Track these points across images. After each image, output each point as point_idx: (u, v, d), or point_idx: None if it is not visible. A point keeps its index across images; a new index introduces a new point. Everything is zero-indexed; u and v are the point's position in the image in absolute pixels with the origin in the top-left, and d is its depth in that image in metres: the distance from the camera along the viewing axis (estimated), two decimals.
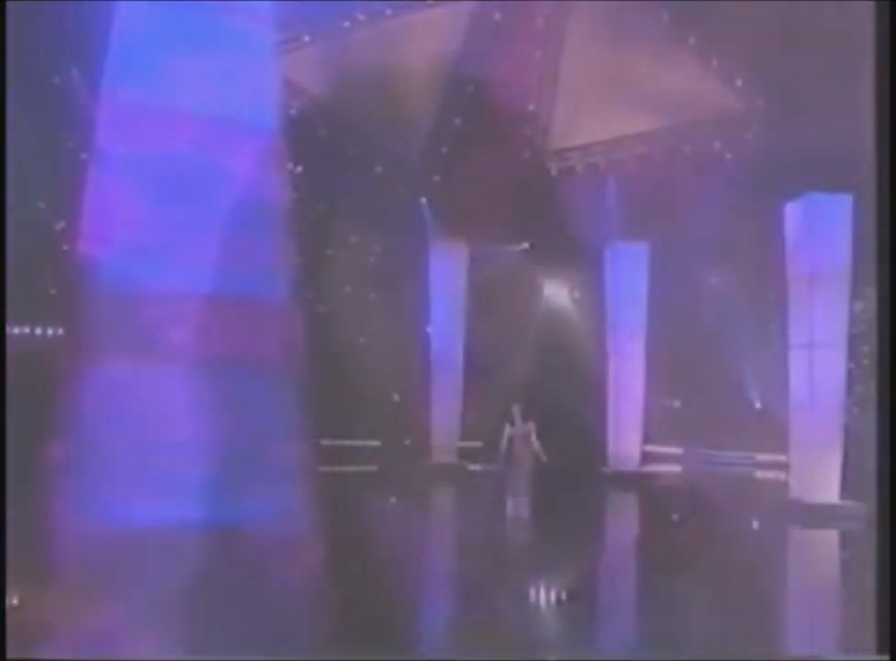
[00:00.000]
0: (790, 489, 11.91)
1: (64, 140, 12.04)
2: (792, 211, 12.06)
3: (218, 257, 3.73)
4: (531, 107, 15.77)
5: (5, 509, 3.57)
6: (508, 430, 10.46)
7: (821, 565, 9.45)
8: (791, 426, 12.09)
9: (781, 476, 13.78)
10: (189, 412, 3.56)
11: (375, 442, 16.90)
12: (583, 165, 16.08)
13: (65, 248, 10.55)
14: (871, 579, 6.86)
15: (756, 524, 11.44)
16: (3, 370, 3.77)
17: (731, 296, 16.78)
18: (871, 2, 4.64)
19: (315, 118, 14.83)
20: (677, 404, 17.61)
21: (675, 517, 12.10)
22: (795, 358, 12.00)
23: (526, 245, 17.65)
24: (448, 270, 16.00)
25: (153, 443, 3.45)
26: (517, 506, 10.39)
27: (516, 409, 10.53)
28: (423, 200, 16.53)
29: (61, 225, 12.69)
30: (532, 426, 10.43)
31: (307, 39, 13.47)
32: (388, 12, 13.89)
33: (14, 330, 11.93)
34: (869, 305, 14.64)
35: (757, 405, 17.19)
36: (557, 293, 18.83)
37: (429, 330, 16.39)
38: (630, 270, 15.25)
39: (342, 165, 15.29)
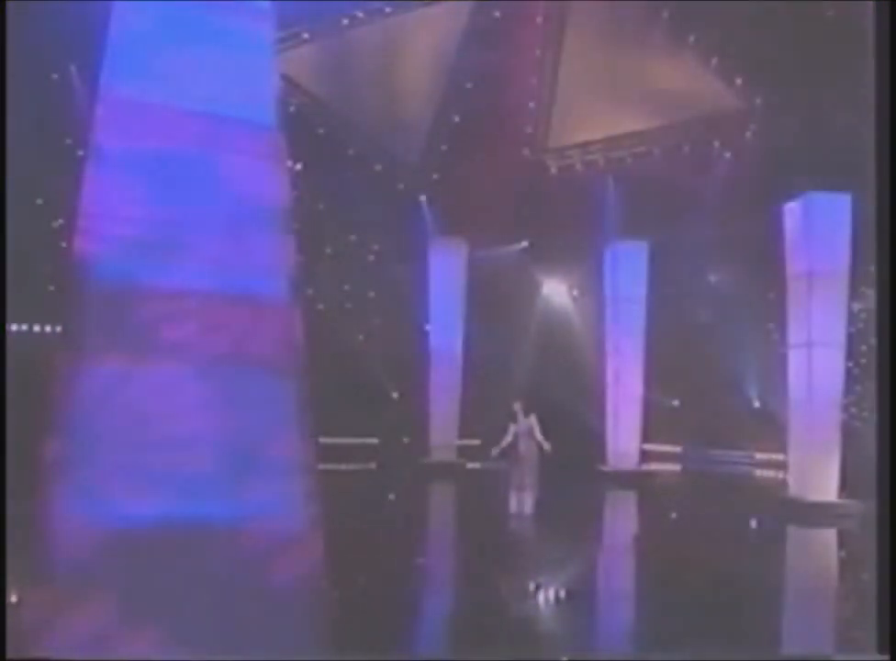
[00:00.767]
0: (789, 488, 11.91)
1: (62, 137, 12.03)
2: (791, 210, 12.05)
3: (216, 255, 3.72)
4: (530, 105, 15.76)
5: (4, 509, 3.57)
6: (512, 428, 10.46)
7: (819, 563, 9.45)
8: (790, 425, 12.08)
9: (780, 474, 13.79)
10: (187, 410, 3.55)
11: (374, 440, 16.91)
12: (582, 163, 16.08)
13: (63, 245, 10.53)
14: (870, 578, 6.87)
15: (754, 523, 11.44)
16: (3, 370, 3.76)
17: (729, 296, 16.80)
18: (871, 2, 4.63)
19: (314, 116, 14.82)
20: (676, 403, 17.63)
21: (673, 515, 12.12)
22: (793, 357, 11.99)
23: (525, 244, 17.65)
24: (447, 268, 15.98)
25: (151, 442, 3.44)
26: (521, 502, 10.39)
27: (518, 407, 10.52)
28: (422, 198, 16.52)
29: (58, 222, 12.68)
30: (533, 419, 10.43)
31: (306, 36, 13.46)
32: (387, 10, 13.87)
33: (11, 328, 11.92)
34: (868, 304, 14.66)
35: (756, 404, 17.22)
36: (556, 291, 18.84)
37: (428, 328, 16.38)
38: (629, 268, 15.24)
39: (342, 163, 15.28)
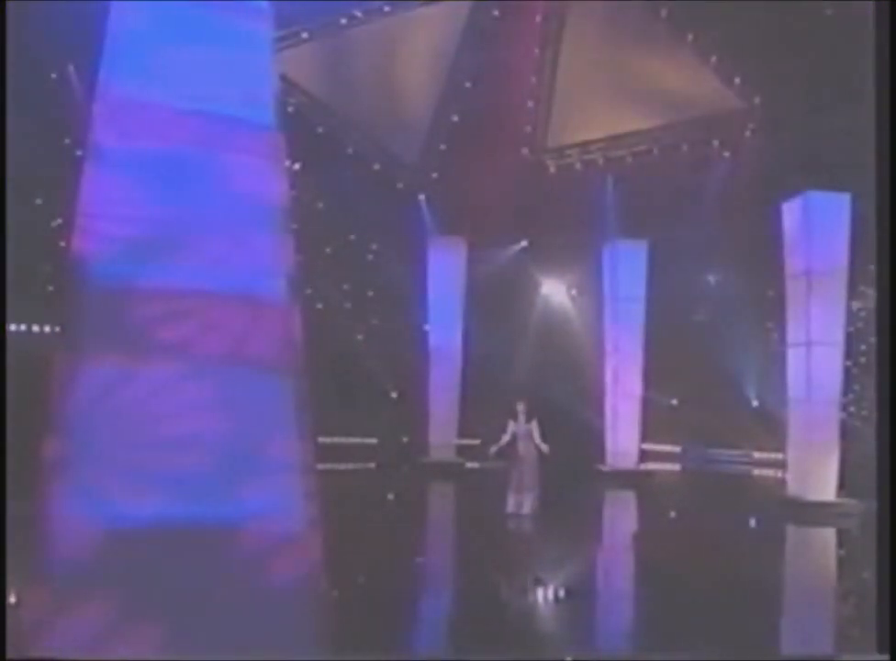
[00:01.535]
0: (788, 487, 11.92)
1: (61, 137, 12.02)
2: (790, 209, 12.05)
3: (215, 254, 3.71)
4: (529, 105, 15.76)
5: (4, 509, 3.56)
6: (511, 426, 10.45)
7: (818, 562, 9.46)
8: (789, 424, 12.09)
9: (779, 473, 13.80)
10: (186, 410, 3.54)
11: (373, 440, 16.91)
12: (581, 163, 16.07)
13: (62, 245, 10.52)
14: (869, 577, 6.87)
15: (753, 522, 11.45)
16: (3, 370, 3.76)
17: (728, 295, 16.81)
18: (871, 2, 4.63)
19: (313, 116, 14.81)
20: (675, 402, 17.64)
21: (672, 514, 12.12)
22: (792, 356, 12.00)
23: (524, 243, 17.65)
24: (446, 267, 15.98)
25: (151, 441, 3.44)
26: (518, 503, 10.38)
27: (520, 407, 10.49)
28: (422, 198, 16.51)
29: (57, 222, 12.67)
30: (534, 424, 10.41)
31: (305, 35, 13.45)
32: (386, 9, 13.87)
33: (10, 328, 11.91)
34: (867, 303, 14.68)
35: (755, 403, 17.23)
36: (556, 290, 18.84)
37: (427, 327, 16.37)
38: (628, 267, 15.24)
39: (341, 162, 15.27)
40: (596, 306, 16.08)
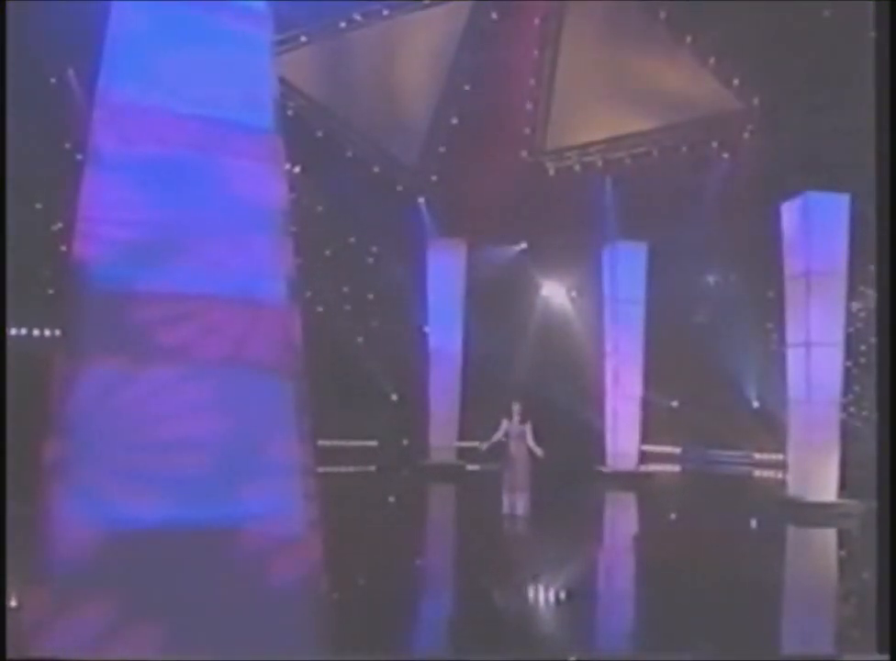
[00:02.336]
0: (788, 488, 11.91)
1: (61, 141, 12.04)
2: (789, 210, 12.06)
3: (215, 257, 3.72)
4: (528, 107, 15.78)
5: (4, 509, 3.57)
6: (504, 424, 10.47)
7: (819, 563, 9.46)
8: (789, 425, 12.09)
9: (779, 474, 13.80)
10: (186, 412, 3.55)
11: (373, 442, 16.91)
12: (580, 164, 16.09)
13: (62, 249, 10.53)
14: (869, 577, 6.87)
15: (754, 523, 11.45)
16: (3, 371, 3.77)
17: (728, 296, 16.82)
18: (871, 1, 4.64)
19: (313, 119, 14.83)
20: (675, 403, 17.64)
21: (673, 516, 12.12)
22: (792, 357, 12.00)
23: (524, 245, 17.66)
24: (446, 269, 15.98)
25: (151, 444, 3.44)
26: (513, 504, 10.39)
27: (516, 408, 10.52)
28: (421, 200, 16.53)
29: (57, 226, 12.68)
30: (528, 426, 10.42)
31: (304, 39, 13.47)
32: (385, 12, 13.89)
33: (10, 332, 11.92)
34: (866, 303, 14.69)
35: (755, 404, 17.23)
36: (555, 292, 18.85)
37: (427, 329, 16.38)
38: (628, 269, 15.25)
39: (340, 165, 15.28)
40: (596, 307, 16.08)
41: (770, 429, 14.40)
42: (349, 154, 15.62)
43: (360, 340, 17.21)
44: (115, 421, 3.43)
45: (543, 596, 7.08)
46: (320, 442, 4.85)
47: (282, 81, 10.75)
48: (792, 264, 11.94)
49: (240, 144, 3.83)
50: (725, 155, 14.90)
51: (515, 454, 10.37)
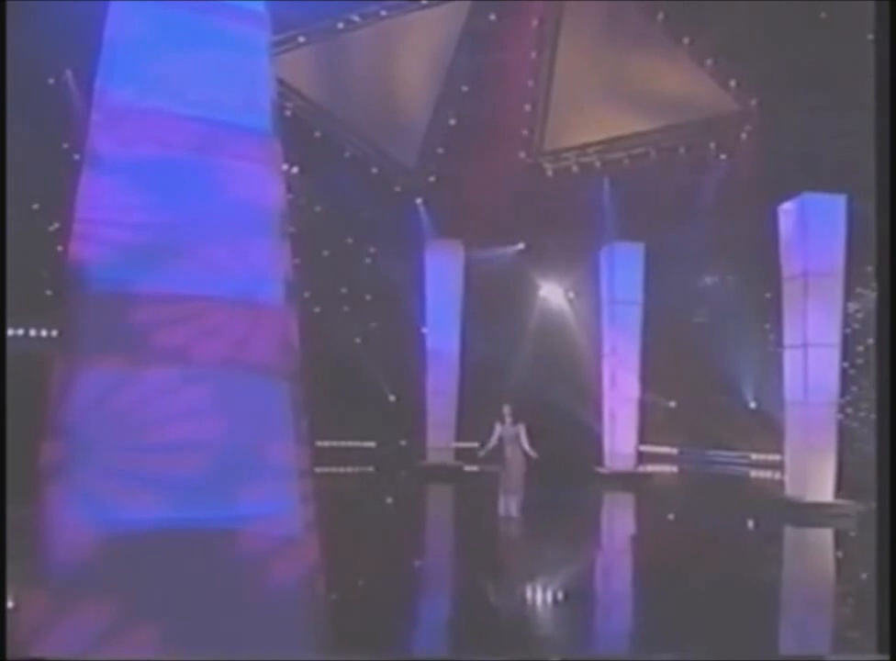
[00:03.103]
0: (786, 488, 11.93)
1: (58, 142, 12.04)
2: (786, 211, 12.08)
3: (213, 259, 3.72)
4: (526, 108, 15.80)
5: (4, 509, 3.57)
6: (498, 428, 10.48)
7: (816, 563, 9.47)
8: (786, 425, 12.11)
9: (776, 475, 13.82)
10: (184, 414, 3.55)
11: (371, 443, 16.90)
12: (578, 165, 16.12)
13: (60, 249, 10.52)
14: (867, 578, 6.88)
15: (751, 523, 11.46)
16: (3, 371, 3.77)
17: (725, 297, 16.84)
18: (870, 2, 4.64)
19: (311, 120, 14.85)
20: (672, 404, 17.66)
21: (671, 516, 12.13)
22: (789, 358, 12.02)
23: (522, 246, 17.67)
24: (444, 270, 15.98)
25: (149, 445, 3.44)
26: (507, 505, 10.39)
27: (506, 410, 10.52)
28: (419, 201, 16.54)
29: (55, 226, 12.68)
30: (521, 427, 10.42)
31: (302, 40, 13.49)
32: (383, 13, 13.91)
33: (8, 332, 11.90)
34: (864, 304, 14.72)
35: (752, 405, 17.26)
36: (553, 293, 18.86)
37: (425, 330, 16.38)
38: (625, 270, 15.25)
39: (338, 166, 15.30)
40: (593, 308, 16.09)
41: (767, 429, 14.41)
42: (347, 155, 15.65)
43: (358, 340, 17.21)
44: (113, 423, 3.43)
45: (540, 597, 7.09)
46: (318, 443, 4.85)
47: (280, 82, 10.74)
48: (790, 265, 11.96)
49: (237, 145, 3.83)
50: (723, 156, 14.94)
51: (510, 457, 10.38)
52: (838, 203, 11.49)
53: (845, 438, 11.92)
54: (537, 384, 15.49)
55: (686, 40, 13.97)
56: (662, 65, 14.23)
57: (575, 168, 16.13)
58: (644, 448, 15.83)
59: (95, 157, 3.65)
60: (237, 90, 3.87)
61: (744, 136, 14.46)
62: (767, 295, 13.83)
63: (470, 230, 15.62)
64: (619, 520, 12.74)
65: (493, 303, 16.66)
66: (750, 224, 13.49)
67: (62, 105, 11.98)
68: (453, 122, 15.65)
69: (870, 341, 13.79)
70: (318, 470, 3.93)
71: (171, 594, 3.35)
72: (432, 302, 16.06)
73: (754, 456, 17.03)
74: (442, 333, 15.84)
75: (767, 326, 15.37)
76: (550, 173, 16.34)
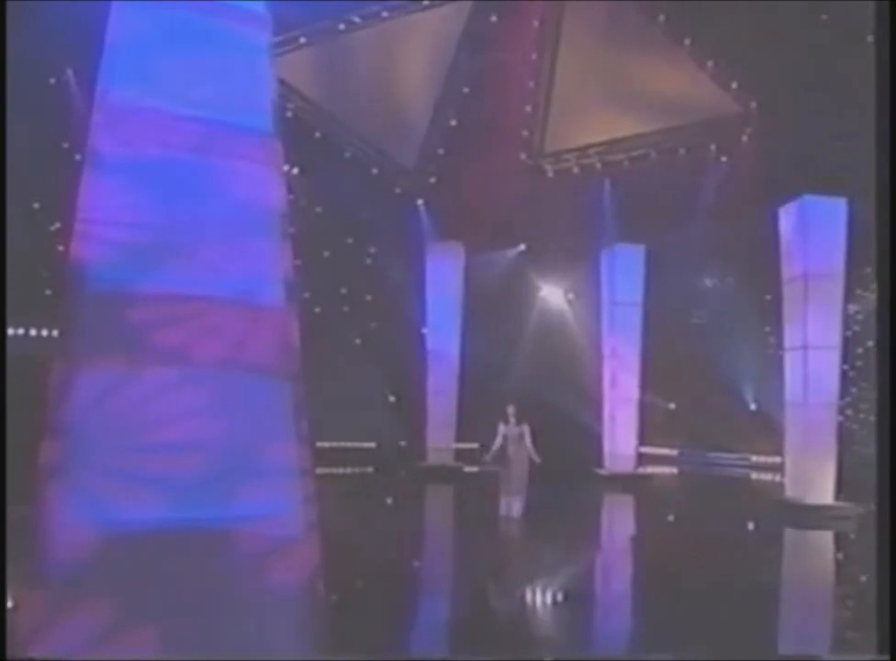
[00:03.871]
0: (786, 490, 11.93)
1: (59, 141, 12.04)
2: (787, 213, 12.08)
3: (213, 259, 3.72)
4: (527, 109, 15.81)
5: (5, 509, 3.57)
6: (502, 428, 10.45)
7: (816, 565, 9.46)
8: (786, 427, 12.10)
9: (776, 477, 13.81)
10: (184, 414, 3.55)
11: (371, 444, 16.90)
12: (579, 167, 16.13)
13: (60, 249, 10.53)
14: (867, 580, 6.88)
15: (751, 525, 11.46)
16: (3, 372, 3.77)
17: (725, 299, 16.84)
18: (872, 2, 4.64)
19: (311, 120, 14.86)
20: (672, 406, 17.66)
21: (670, 518, 12.13)
22: (790, 360, 12.01)
23: (522, 247, 17.67)
24: (444, 271, 15.99)
25: (149, 446, 3.44)
26: (509, 506, 10.37)
27: (510, 410, 10.51)
28: (420, 202, 16.54)
29: (55, 226, 12.68)
30: (525, 427, 10.40)
31: (303, 41, 13.50)
32: (384, 14, 13.92)
33: (8, 331, 11.91)
34: (864, 306, 14.72)
35: (752, 407, 17.26)
36: (553, 294, 18.86)
37: (425, 331, 16.38)
38: (626, 271, 15.25)
39: (338, 167, 15.31)
40: (593, 309, 16.09)
41: (768, 431, 14.41)
42: (347, 156, 15.65)
43: (358, 341, 17.21)
44: (113, 423, 3.43)
45: (540, 597, 7.08)
46: (318, 444, 4.84)
47: (281, 82, 10.76)
48: (790, 267, 11.96)
49: (238, 146, 3.83)
50: (723, 158, 14.95)
51: (513, 457, 10.34)
52: (838, 205, 11.50)
53: (845, 440, 11.91)
54: (537, 385, 15.49)
55: (686, 42, 13.98)
56: (662, 67, 14.24)
57: (575, 169, 16.13)
58: (643, 449, 15.83)
59: (96, 157, 3.65)
60: (238, 90, 3.87)
61: (744, 137, 14.47)
62: (768, 296, 13.83)
63: (470, 231, 15.62)
64: (618, 521, 12.73)
65: (493, 304, 16.66)
66: (750, 226, 13.49)
67: (63, 105, 11.99)
68: (453, 123, 15.66)
69: (870, 343, 13.80)
70: (318, 471, 3.93)
71: (171, 594, 3.35)
72: (432, 303, 16.06)
73: (754, 458, 17.03)
74: (442, 334, 15.84)
75: (767, 328, 15.37)
76: (550, 174, 16.35)
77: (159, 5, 3.80)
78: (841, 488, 11.28)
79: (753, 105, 14.17)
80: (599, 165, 15.91)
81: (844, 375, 12.20)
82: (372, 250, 17.22)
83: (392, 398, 17.51)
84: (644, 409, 15.42)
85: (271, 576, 3.52)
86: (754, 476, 16.60)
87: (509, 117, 15.66)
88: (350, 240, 16.87)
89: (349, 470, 15.06)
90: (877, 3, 4.58)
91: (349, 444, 15.91)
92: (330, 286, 16.56)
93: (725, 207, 14.36)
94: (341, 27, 13.93)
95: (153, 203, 3.65)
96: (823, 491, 11.28)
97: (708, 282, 17.90)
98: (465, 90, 15.33)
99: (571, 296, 18.74)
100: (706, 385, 16.64)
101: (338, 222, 15.92)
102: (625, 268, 15.24)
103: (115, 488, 3.35)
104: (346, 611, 5.32)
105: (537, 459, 10.30)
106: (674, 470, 17.54)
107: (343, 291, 17.34)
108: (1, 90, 3.92)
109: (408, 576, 7.82)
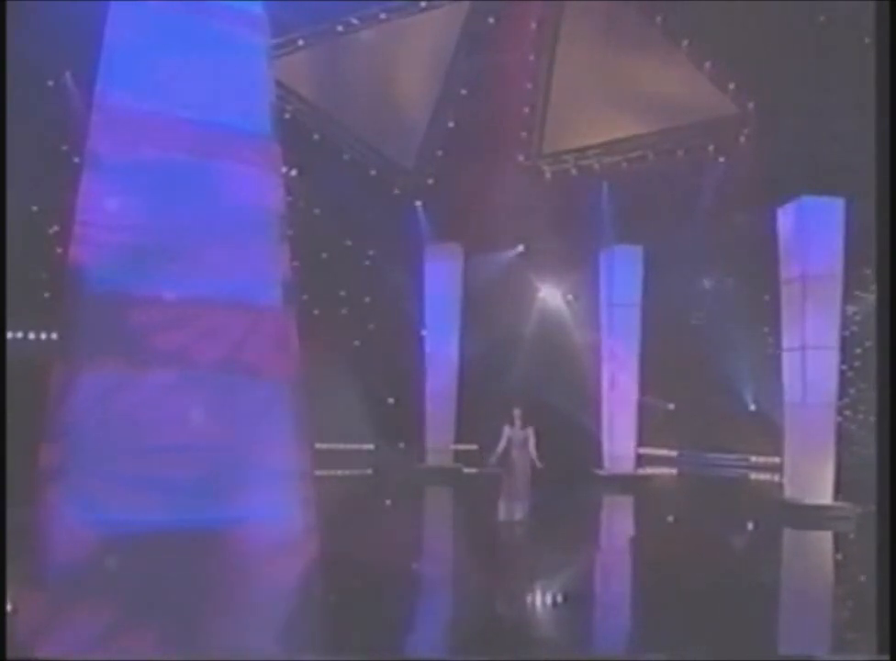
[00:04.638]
0: (785, 491, 11.93)
1: (58, 144, 12.03)
2: (785, 214, 12.10)
3: (212, 262, 3.73)
4: (525, 110, 15.80)
5: (4, 510, 3.56)
6: (507, 431, 10.40)
7: (815, 566, 9.47)
8: (785, 428, 12.11)
9: (775, 477, 13.81)
10: (183, 416, 3.55)
11: (370, 446, 16.89)
12: (577, 168, 16.12)
13: (59, 252, 10.52)
14: (867, 580, 6.88)
15: (750, 526, 11.46)
16: (2, 375, 3.77)
17: (724, 299, 16.84)
18: (869, 2, 4.65)
19: (309, 122, 14.84)
20: (671, 407, 17.65)
21: (670, 518, 12.13)
22: (788, 360, 12.03)
23: (521, 248, 17.67)
24: (443, 273, 16.00)
25: (148, 448, 3.44)
26: (510, 509, 10.31)
27: (517, 413, 10.43)
28: (418, 203, 16.54)
29: (54, 229, 12.67)
30: (530, 431, 10.35)
31: (301, 42, 13.49)
32: (382, 15, 13.91)
33: (7, 334, 11.88)
34: (862, 307, 14.73)
35: (751, 407, 17.24)
36: (552, 296, 18.84)
37: (424, 333, 16.38)
38: (624, 272, 15.27)
39: (337, 169, 15.29)
40: (592, 311, 16.10)
41: (767, 432, 14.41)
42: (346, 157, 15.64)
43: (357, 343, 17.20)
44: (112, 425, 3.43)
45: (540, 598, 7.08)
46: (317, 446, 4.84)
47: (279, 84, 10.75)
48: (788, 268, 11.97)
49: (236, 148, 3.83)
50: (721, 159, 14.94)
51: (516, 461, 10.26)
52: (837, 205, 11.51)
53: (843, 440, 11.92)
54: (535, 386, 15.48)
55: (685, 43, 13.98)
56: (660, 68, 14.23)
57: (573, 171, 16.12)
58: (643, 450, 15.82)
59: (95, 159, 3.66)
60: (236, 93, 3.88)
61: (742, 138, 14.46)
62: (766, 297, 13.83)
63: (469, 233, 15.62)
64: (618, 522, 12.74)
65: (492, 305, 16.65)
66: (749, 227, 13.50)
67: (62, 107, 11.98)
68: (451, 125, 15.64)
69: (869, 343, 13.80)
70: (317, 472, 3.93)
71: (170, 596, 3.35)
72: (431, 305, 16.07)
73: (753, 458, 17.02)
74: (441, 336, 15.85)
75: (766, 328, 15.36)
76: (548, 175, 16.33)
77: (157, 8, 3.80)
78: (840, 489, 11.28)
79: (751, 105, 14.16)
80: (597, 166, 15.91)
81: (842, 375, 12.22)
82: (370, 251, 17.20)
83: (391, 400, 17.50)
84: (643, 410, 15.42)
85: (270, 577, 3.52)
86: (753, 476, 16.60)
87: (508, 118, 15.66)
88: (348, 242, 16.86)
89: (348, 472, 15.05)
90: (877, 3, 4.59)
91: (348, 446, 15.89)
92: (328, 288, 16.54)
93: (724, 207, 14.36)
94: (340, 28, 13.92)
95: (152, 205, 3.65)
96: (822, 491, 11.29)
97: (706, 283, 17.89)
98: (463, 91, 15.32)
99: (570, 297, 18.72)
100: (705, 385, 16.63)
101: (336, 224, 15.90)
102: (624, 269, 15.26)
103: (114, 490, 3.35)
104: (345, 612, 5.31)
105: (539, 464, 10.24)
106: (673, 471, 17.53)
107: (342, 293, 17.32)
108: (0, 91, 3.92)
109: (408, 577, 7.82)
